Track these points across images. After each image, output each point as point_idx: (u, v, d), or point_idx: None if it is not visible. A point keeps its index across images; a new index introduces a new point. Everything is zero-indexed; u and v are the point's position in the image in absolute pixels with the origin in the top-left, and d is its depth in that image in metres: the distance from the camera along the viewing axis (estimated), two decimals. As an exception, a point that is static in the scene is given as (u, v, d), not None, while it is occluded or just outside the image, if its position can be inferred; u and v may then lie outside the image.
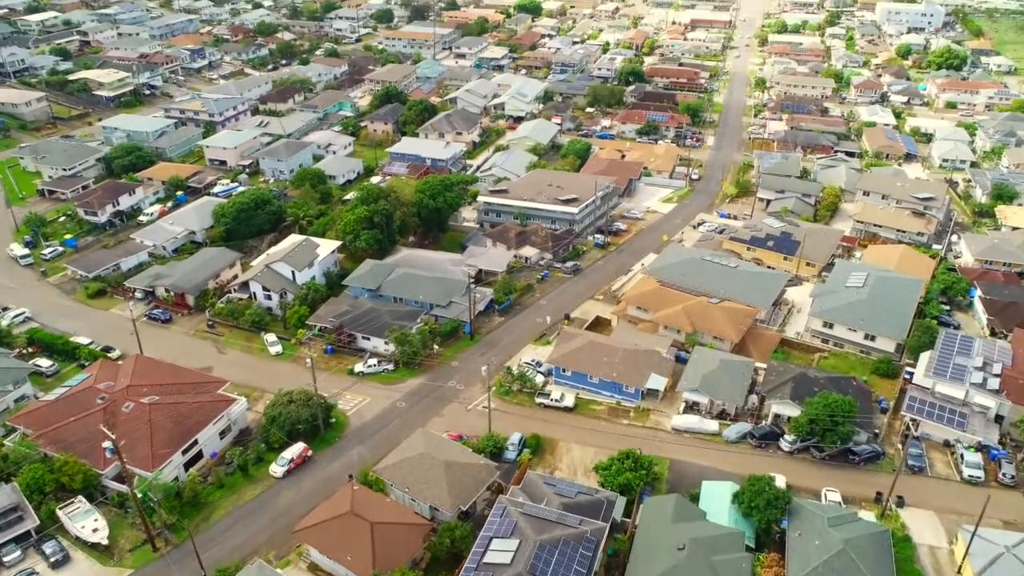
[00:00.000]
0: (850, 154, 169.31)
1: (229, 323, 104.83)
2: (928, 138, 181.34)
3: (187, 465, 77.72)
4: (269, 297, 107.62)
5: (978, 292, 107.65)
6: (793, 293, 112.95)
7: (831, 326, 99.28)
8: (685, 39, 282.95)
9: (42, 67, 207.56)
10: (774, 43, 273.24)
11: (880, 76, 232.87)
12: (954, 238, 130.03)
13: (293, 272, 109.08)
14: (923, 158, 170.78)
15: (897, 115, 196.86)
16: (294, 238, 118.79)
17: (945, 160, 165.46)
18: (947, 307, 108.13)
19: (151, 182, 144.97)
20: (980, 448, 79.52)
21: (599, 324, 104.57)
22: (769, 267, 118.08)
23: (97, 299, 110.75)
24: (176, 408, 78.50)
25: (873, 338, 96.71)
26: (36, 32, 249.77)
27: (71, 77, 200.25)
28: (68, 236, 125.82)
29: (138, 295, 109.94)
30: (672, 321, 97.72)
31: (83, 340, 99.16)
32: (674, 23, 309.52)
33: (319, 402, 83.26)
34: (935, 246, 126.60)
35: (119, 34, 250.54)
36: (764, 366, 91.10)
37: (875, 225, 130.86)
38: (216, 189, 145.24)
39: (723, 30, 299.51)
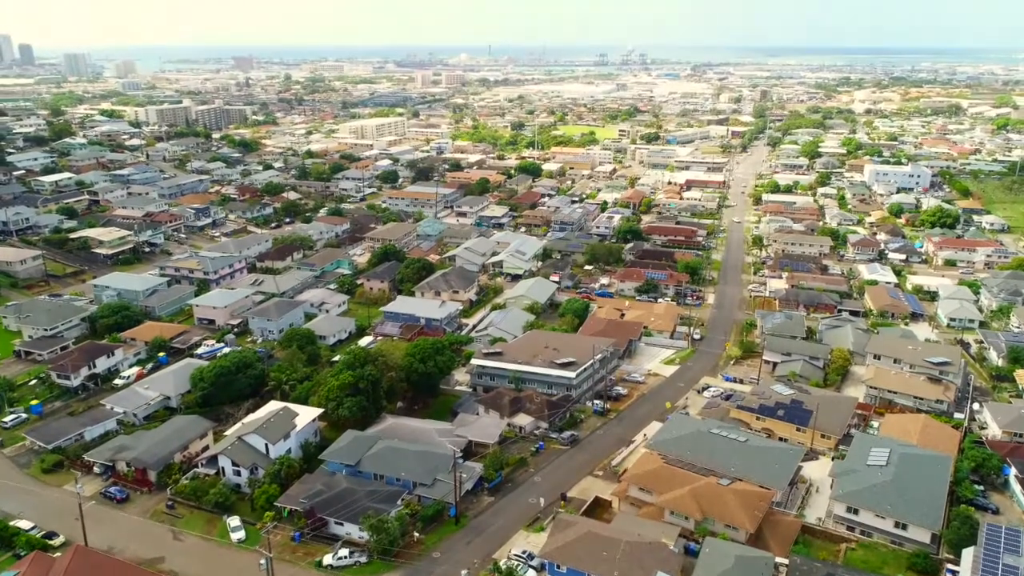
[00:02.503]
0: (854, 313, 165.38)
1: (191, 503, 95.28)
2: (932, 296, 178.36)
3: None
4: (238, 473, 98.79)
5: (1013, 471, 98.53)
6: (810, 469, 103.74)
7: (856, 511, 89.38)
8: (681, 198, 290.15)
9: (46, 225, 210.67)
10: (768, 202, 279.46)
11: (876, 234, 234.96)
12: (976, 406, 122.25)
13: (267, 445, 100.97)
14: (930, 317, 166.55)
15: (897, 273, 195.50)
16: (272, 405, 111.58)
17: (953, 320, 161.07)
18: (980, 487, 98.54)
19: (134, 342, 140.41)
20: (1049, 672, 67.46)
21: (598, 506, 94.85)
22: (781, 439, 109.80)
23: (52, 474, 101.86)
24: (108, 617, 67.81)
25: (905, 526, 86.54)
26: (48, 192, 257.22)
27: (73, 235, 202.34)
28: (34, 402, 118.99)
29: (96, 469, 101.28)
30: (679, 506, 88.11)
31: (25, 524, 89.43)
32: (670, 183, 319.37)
33: (275, 608, 72.43)
34: (956, 415, 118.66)
35: (128, 193, 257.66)
36: (786, 562, 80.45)
37: (890, 391, 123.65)
38: (200, 350, 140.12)
39: (718, 190, 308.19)
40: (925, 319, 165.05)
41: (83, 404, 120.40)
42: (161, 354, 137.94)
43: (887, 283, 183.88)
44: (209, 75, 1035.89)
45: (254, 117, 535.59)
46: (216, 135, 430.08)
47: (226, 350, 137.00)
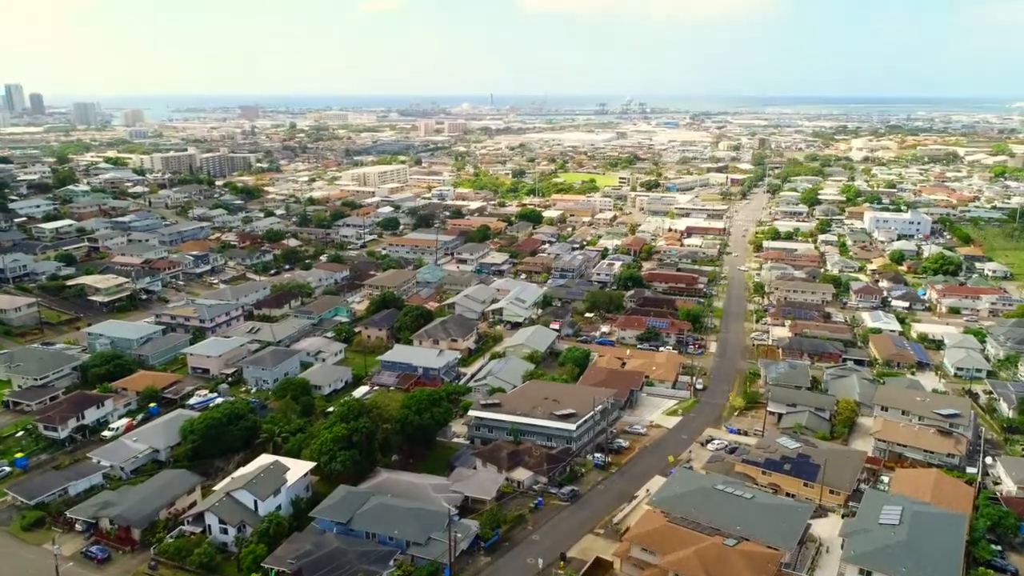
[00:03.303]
0: (859, 362, 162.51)
1: (174, 564, 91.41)
2: (937, 345, 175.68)
3: None
4: (225, 531, 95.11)
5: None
6: (819, 527, 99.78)
7: (869, 574, 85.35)
8: (682, 245, 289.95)
9: (43, 272, 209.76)
10: (769, 249, 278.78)
11: (878, 281, 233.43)
12: (988, 460, 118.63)
13: (256, 501, 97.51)
14: (936, 366, 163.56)
15: (901, 320, 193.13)
16: (264, 459, 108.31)
17: (960, 369, 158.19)
18: (998, 547, 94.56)
19: (125, 392, 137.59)
20: None
21: (599, 567, 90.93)
22: (788, 494, 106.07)
23: (33, 531, 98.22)
24: None
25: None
26: (48, 238, 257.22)
27: (69, 282, 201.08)
28: (19, 455, 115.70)
29: (79, 527, 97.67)
30: (683, 568, 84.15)
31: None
32: (670, 230, 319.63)
33: None
34: (969, 469, 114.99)
35: (128, 240, 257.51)
36: (797, 630, 76.42)
37: (899, 445, 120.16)
38: (192, 401, 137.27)
39: (718, 236, 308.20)
40: (931, 368, 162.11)
41: (70, 457, 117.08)
42: (152, 405, 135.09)
43: (892, 331, 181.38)
44: (216, 123, 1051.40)
45: (258, 164, 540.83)
46: (219, 182, 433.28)
47: (219, 400, 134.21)
